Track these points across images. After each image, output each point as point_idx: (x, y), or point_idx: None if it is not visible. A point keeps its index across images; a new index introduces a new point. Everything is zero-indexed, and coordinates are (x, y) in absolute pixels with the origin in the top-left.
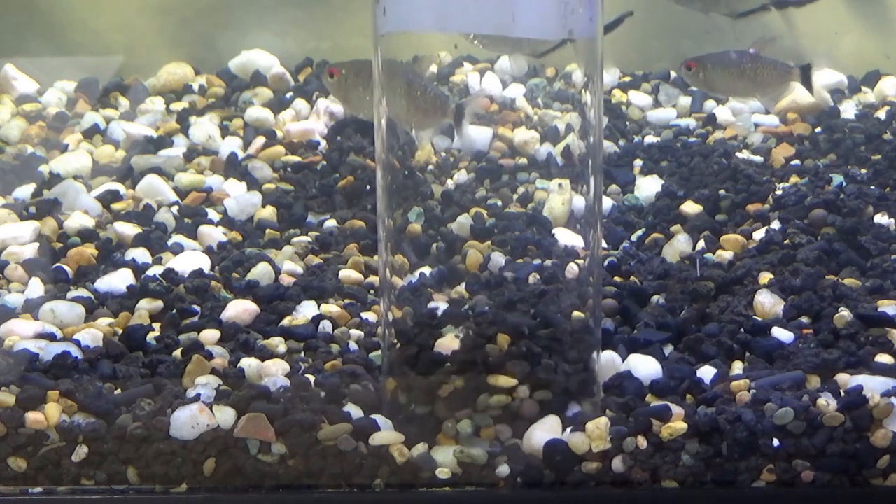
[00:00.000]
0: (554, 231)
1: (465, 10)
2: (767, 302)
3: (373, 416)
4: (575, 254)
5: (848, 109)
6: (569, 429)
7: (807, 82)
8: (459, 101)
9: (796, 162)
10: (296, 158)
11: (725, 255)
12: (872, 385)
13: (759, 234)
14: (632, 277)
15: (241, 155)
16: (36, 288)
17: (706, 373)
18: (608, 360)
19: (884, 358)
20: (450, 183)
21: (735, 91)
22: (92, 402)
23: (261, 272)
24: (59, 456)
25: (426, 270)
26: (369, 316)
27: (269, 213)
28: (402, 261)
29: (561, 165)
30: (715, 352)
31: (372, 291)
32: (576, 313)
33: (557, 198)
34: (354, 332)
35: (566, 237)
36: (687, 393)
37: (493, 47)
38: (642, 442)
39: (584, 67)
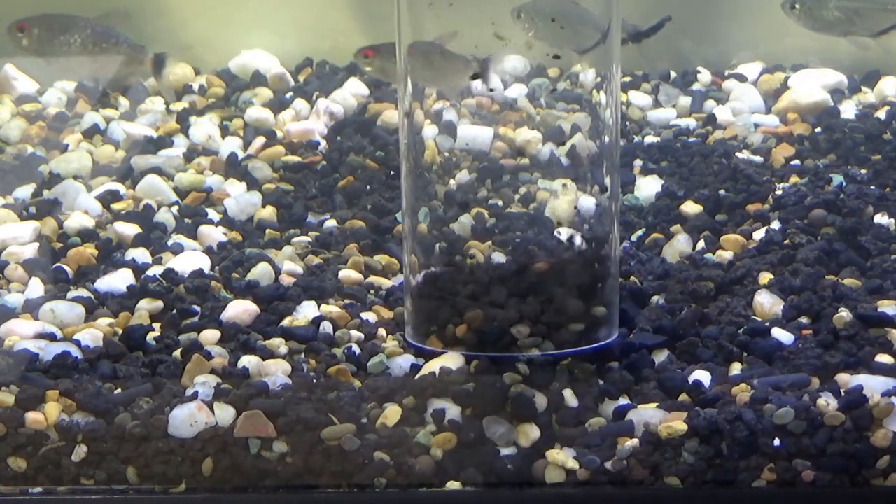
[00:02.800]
0: (556, 231)
1: None
2: (767, 302)
3: None
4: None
5: (848, 109)
6: None
7: (485, 76)
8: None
9: (796, 162)
10: (296, 158)
11: (725, 255)
12: (873, 385)
13: (759, 234)
14: (631, 277)
15: (241, 155)
16: (36, 288)
17: (703, 376)
18: None
19: (884, 358)
20: (452, 183)
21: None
22: (91, 402)
23: (261, 272)
24: (58, 455)
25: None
26: (369, 316)
27: (269, 213)
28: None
29: (566, 166)
30: (711, 354)
31: (372, 291)
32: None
33: (561, 198)
34: (355, 334)
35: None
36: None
37: (544, 37)
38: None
39: (596, 67)
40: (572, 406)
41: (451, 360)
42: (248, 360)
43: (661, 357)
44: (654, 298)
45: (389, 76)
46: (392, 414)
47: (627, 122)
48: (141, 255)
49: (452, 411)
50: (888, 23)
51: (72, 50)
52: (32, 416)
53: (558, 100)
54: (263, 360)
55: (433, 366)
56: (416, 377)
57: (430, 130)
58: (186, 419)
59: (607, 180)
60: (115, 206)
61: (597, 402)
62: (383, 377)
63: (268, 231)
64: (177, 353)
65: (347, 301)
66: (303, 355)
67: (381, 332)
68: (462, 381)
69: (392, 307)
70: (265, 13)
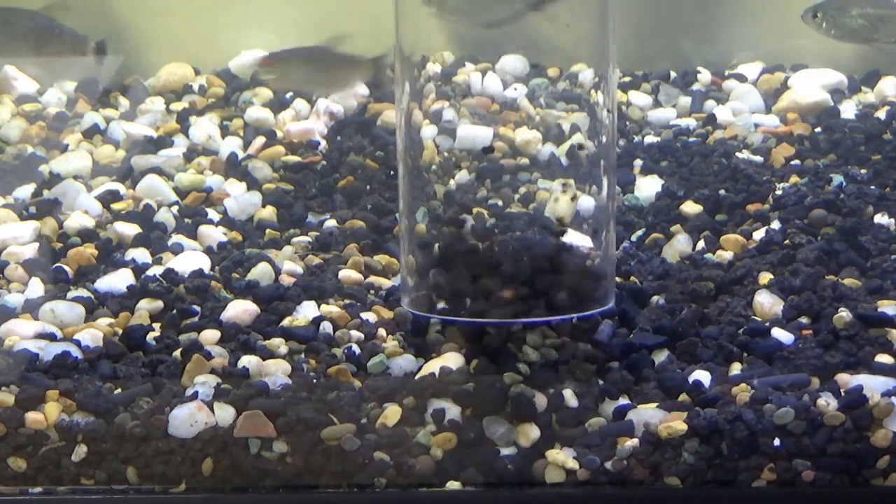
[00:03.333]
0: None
1: None
2: (767, 302)
3: None
4: (581, 253)
5: (848, 109)
6: None
7: (379, 76)
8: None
9: (796, 162)
10: (296, 158)
11: (725, 255)
12: (873, 385)
13: (759, 234)
14: (631, 277)
15: (241, 155)
16: (36, 288)
17: (703, 376)
18: None
19: (884, 358)
20: (451, 183)
21: (309, 84)
22: (91, 402)
23: (261, 272)
24: (58, 455)
25: None
26: (369, 316)
27: (269, 213)
28: None
29: (566, 166)
30: (711, 354)
31: (372, 291)
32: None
33: (561, 198)
34: (355, 334)
35: (572, 237)
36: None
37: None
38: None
39: (594, 67)
40: (572, 406)
41: (452, 360)
42: (247, 360)
43: (661, 357)
44: (654, 298)
45: (289, 84)
46: (392, 414)
47: (627, 122)
48: (141, 255)
49: (452, 411)
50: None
51: (15, 42)
52: (32, 416)
53: (558, 99)
54: (263, 360)
55: (433, 366)
56: (417, 377)
57: (428, 130)
58: (186, 419)
59: (604, 179)
60: (115, 206)
61: (597, 402)
62: (383, 377)
63: (268, 231)
64: (177, 353)
65: (347, 301)
66: (303, 355)
67: (381, 332)
68: (462, 381)
69: (392, 307)
70: (265, 13)
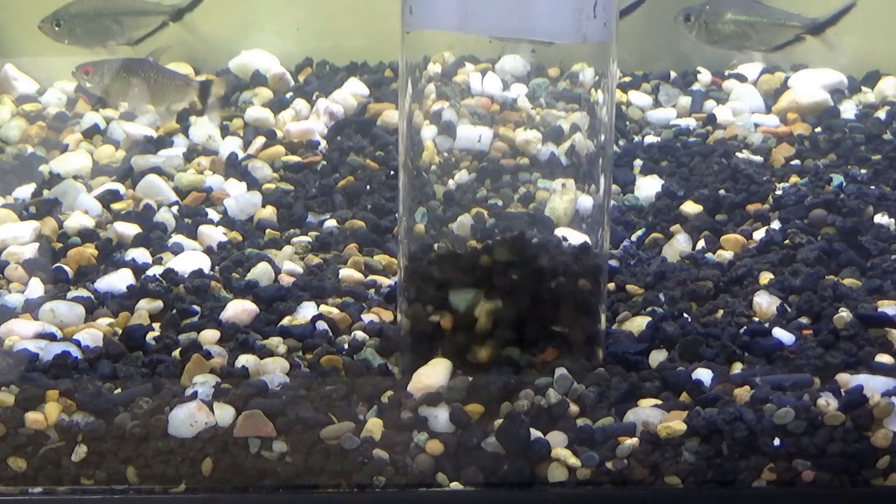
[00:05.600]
0: (557, 231)
1: (485, 12)
2: (766, 302)
3: None
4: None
5: (848, 109)
6: None
7: (204, 98)
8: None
9: (796, 162)
10: (296, 158)
11: (725, 254)
12: (873, 385)
13: (759, 234)
14: (628, 287)
15: (241, 155)
16: (36, 288)
17: (703, 375)
18: None
19: (884, 358)
20: (451, 183)
21: (126, 97)
22: (91, 402)
23: (261, 272)
24: (58, 455)
25: None
26: (369, 317)
27: (269, 213)
28: None
29: (566, 165)
30: (713, 354)
31: (372, 290)
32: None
33: (561, 198)
34: (354, 334)
35: (571, 236)
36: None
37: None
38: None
39: (595, 66)
40: (573, 406)
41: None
42: (247, 360)
43: (660, 357)
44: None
45: (109, 94)
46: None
47: (627, 122)
48: (141, 255)
49: (452, 408)
50: (783, 37)
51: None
52: (32, 416)
53: (558, 99)
54: (262, 359)
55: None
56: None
57: (428, 131)
58: (186, 419)
59: (602, 179)
60: (115, 206)
61: (597, 401)
62: (379, 377)
63: (268, 231)
64: (176, 352)
65: (347, 301)
66: (301, 353)
67: (381, 332)
68: (462, 381)
69: (392, 307)
70: (265, 13)
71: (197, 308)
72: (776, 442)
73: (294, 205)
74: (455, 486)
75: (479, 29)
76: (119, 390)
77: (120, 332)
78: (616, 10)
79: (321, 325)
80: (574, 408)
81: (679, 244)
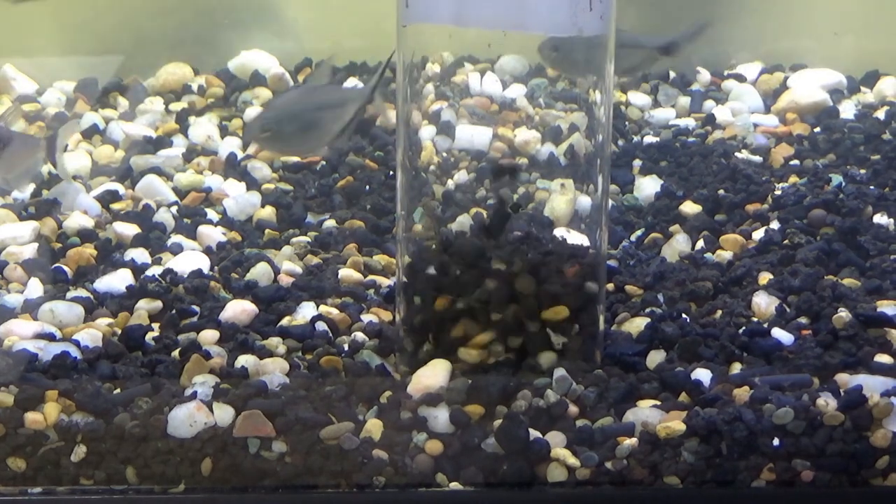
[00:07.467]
0: (556, 231)
1: (480, 5)
2: (765, 302)
3: None
4: (580, 252)
5: (847, 109)
6: None
7: (50, 153)
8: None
9: (795, 162)
10: (295, 158)
11: (725, 254)
12: (872, 385)
13: (758, 235)
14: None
15: (240, 155)
16: (35, 288)
17: (703, 375)
18: None
19: (883, 358)
20: (450, 183)
21: None
22: (90, 402)
23: (260, 272)
24: (58, 456)
25: None
26: (368, 317)
27: (268, 213)
28: None
29: (564, 165)
30: (712, 354)
31: (371, 290)
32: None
33: (560, 198)
34: (354, 334)
35: (570, 237)
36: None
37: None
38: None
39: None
40: (572, 406)
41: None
42: (246, 360)
43: (659, 357)
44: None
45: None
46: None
47: (627, 122)
48: (140, 255)
49: (451, 408)
50: (637, 59)
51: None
52: (32, 417)
53: (557, 99)
54: (262, 359)
55: (434, 365)
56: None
57: (427, 131)
58: (185, 419)
59: (600, 178)
60: (115, 206)
61: (596, 401)
62: (379, 378)
63: (267, 231)
64: (176, 353)
65: (346, 301)
66: (300, 353)
67: (380, 332)
68: (461, 382)
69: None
70: (265, 13)
71: (196, 308)
72: (775, 442)
73: (293, 205)
74: (455, 486)
75: (475, 22)
76: (118, 390)
77: (119, 332)
78: (613, 4)
79: (321, 325)
80: (573, 408)
81: (678, 244)
